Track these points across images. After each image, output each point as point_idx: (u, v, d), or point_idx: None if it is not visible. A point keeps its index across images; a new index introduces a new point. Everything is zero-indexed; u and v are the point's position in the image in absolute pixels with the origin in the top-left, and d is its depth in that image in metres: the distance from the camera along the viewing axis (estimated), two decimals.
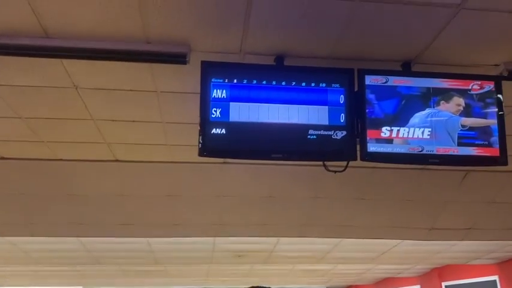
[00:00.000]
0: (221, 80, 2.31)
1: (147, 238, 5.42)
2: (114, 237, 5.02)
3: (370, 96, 2.40)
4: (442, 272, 8.47)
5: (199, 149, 2.29)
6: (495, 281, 7.19)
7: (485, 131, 2.46)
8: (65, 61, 2.49)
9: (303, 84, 2.37)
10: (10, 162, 3.72)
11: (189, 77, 2.61)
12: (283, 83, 2.35)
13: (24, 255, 6.15)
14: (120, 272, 8.07)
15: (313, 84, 2.37)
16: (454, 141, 2.43)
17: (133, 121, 3.17)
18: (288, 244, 6.06)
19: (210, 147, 2.30)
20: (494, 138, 2.46)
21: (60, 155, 3.66)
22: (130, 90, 2.80)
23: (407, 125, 2.41)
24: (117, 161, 3.79)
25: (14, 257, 6.18)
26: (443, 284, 8.50)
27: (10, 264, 6.69)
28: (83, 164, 3.79)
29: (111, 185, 4.06)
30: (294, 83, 2.36)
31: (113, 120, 3.16)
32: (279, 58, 2.47)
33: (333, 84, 2.37)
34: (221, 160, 3.76)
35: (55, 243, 5.52)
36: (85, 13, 2.14)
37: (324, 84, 2.37)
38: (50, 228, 4.67)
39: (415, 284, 9.58)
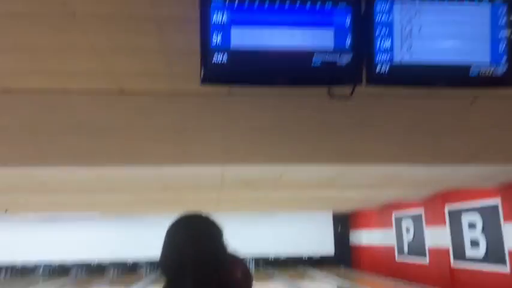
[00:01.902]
0: (221, 2, 2.21)
1: (156, 166, 5.52)
2: (123, 165, 5.11)
3: (378, 17, 2.30)
4: (446, 196, 8.65)
5: (201, 77, 2.25)
6: (497, 204, 7.36)
7: None
8: None
9: (308, 3, 2.26)
10: (16, 95, 3.73)
11: (189, 1, 2.50)
12: (287, 3, 2.24)
13: (39, 186, 6.36)
14: (134, 200, 8.41)
15: (318, 4, 2.26)
16: None
17: (135, 49, 3.10)
18: (295, 172, 6.17)
19: (212, 75, 2.26)
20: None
21: (63, 85, 3.65)
22: (129, 17, 2.70)
23: (415, 47, 2.33)
24: (121, 92, 3.76)
25: (30, 187, 6.40)
26: (447, 207, 8.72)
27: (25, 192, 6.94)
28: (87, 96, 3.78)
29: (116, 117, 4.07)
30: (298, 2, 2.25)
31: (114, 48, 3.09)
32: None
33: (339, 3, 2.26)
34: (225, 91, 3.72)
35: (68, 173, 5.67)
36: None
37: (329, 4, 2.26)
38: (62, 159, 4.76)
39: (418, 207, 9.84)
